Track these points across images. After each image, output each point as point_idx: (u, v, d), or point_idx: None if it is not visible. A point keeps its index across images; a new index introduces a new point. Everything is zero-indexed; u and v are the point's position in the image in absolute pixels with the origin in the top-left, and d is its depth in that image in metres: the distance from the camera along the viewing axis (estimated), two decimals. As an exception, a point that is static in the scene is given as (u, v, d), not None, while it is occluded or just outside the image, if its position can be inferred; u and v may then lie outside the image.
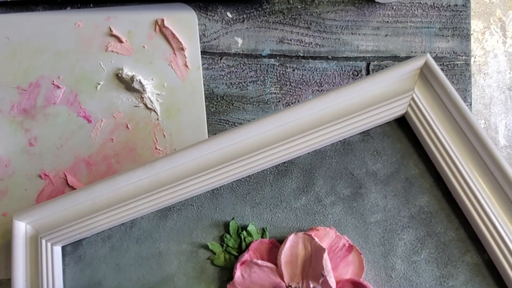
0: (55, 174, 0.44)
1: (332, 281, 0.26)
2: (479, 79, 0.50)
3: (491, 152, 0.27)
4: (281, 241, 0.29)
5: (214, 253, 0.31)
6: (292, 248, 0.28)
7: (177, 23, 0.44)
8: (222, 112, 0.46)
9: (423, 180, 0.30)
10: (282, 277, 0.27)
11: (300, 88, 0.47)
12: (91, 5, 0.44)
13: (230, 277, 0.29)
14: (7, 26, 0.43)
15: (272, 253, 0.29)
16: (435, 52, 0.48)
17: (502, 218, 0.27)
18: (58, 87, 0.44)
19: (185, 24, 0.44)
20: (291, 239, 0.28)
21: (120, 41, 0.44)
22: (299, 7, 0.46)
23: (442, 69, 0.48)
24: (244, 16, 0.46)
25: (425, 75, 0.30)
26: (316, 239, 0.27)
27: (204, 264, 0.31)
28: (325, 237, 0.28)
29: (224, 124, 0.46)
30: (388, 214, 0.30)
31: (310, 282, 0.26)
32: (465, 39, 0.48)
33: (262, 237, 0.30)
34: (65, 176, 0.44)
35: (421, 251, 0.29)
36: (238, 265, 0.28)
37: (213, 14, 0.45)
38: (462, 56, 0.48)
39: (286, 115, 0.30)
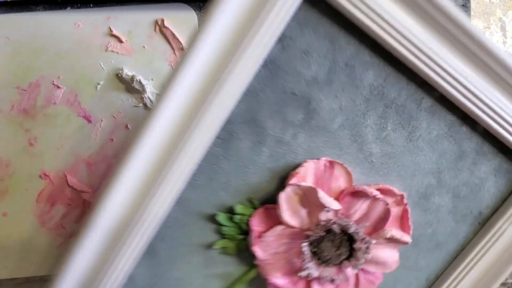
0: (55, 174, 0.44)
1: (336, 206, 0.27)
2: (479, 79, 0.50)
3: None
4: (272, 200, 0.28)
5: (227, 248, 0.29)
6: (288, 203, 0.27)
7: (177, 23, 0.44)
8: (222, 112, 0.46)
9: (361, 56, 0.26)
10: (297, 229, 0.28)
11: (300, 88, 0.47)
12: (91, 5, 0.44)
13: (253, 257, 0.28)
14: (7, 26, 0.43)
15: (272, 217, 0.28)
16: (435, 52, 0.48)
17: (438, 51, 0.25)
18: (58, 87, 0.44)
19: (185, 24, 0.44)
20: (281, 198, 0.27)
21: (120, 41, 0.44)
22: (299, 7, 0.46)
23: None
24: (244, 16, 0.46)
25: None
26: (302, 184, 0.26)
27: (222, 259, 0.29)
28: (307, 173, 0.27)
29: (224, 124, 0.46)
30: (346, 111, 0.27)
31: (320, 215, 0.27)
32: (465, 39, 0.48)
33: (254, 208, 0.28)
34: (65, 176, 0.44)
35: (386, 125, 0.28)
36: (254, 247, 0.28)
37: (213, 14, 0.45)
38: (462, 56, 0.48)
39: (184, 77, 0.23)
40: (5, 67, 0.43)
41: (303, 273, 0.28)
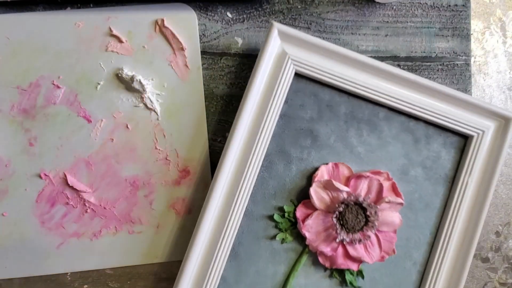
0: (55, 174, 0.44)
1: (346, 188, 0.41)
2: (479, 79, 0.50)
3: (340, 52, 0.42)
4: (305, 197, 0.42)
5: (285, 238, 0.43)
6: (316, 194, 0.41)
7: (177, 23, 0.44)
8: (222, 112, 0.46)
9: (334, 99, 0.43)
10: (327, 211, 0.41)
11: (300, 88, 0.47)
12: (91, 5, 0.44)
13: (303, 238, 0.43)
14: (7, 26, 0.43)
15: (309, 207, 0.42)
16: (435, 52, 0.48)
17: (377, 84, 0.42)
18: (58, 87, 0.44)
19: (185, 24, 0.44)
20: (311, 192, 0.41)
21: (120, 41, 0.44)
22: (299, 7, 0.46)
23: (442, 69, 0.48)
24: (244, 16, 0.46)
25: (284, 39, 0.41)
26: (322, 179, 0.41)
27: (283, 247, 0.43)
28: (323, 173, 0.42)
29: (224, 124, 0.46)
30: (336, 132, 0.44)
31: (338, 197, 0.41)
32: (465, 39, 0.48)
33: (295, 205, 0.43)
34: (65, 176, 0.44)
35: (362, 133, 0.44)
36: (302, 230, 0.42)
37: (213, 14, 0.45)
38: (462, 56, 0.48)
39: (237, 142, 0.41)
40: (5, 67, 0.43)
41: (338, 239, 0.41)
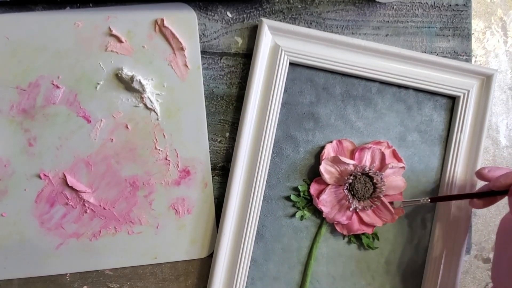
0: (54, 174, 0.44)
1: (352, 161, 0.44)
2: (480, 79, 0.50)
3: (327, 37, 0.45)
4: (316, 175, 0.46)
5: (304, 215, 0.46)
6: (325, 170, 0.45)
7: (177, 23, 0.44)
8: (222, 112, 0.46)
9: (328, 81, 0.46)
10: (338, 184, 0.45)
11: (300, 88, 0.47)
12: (91, 5, 0.44)
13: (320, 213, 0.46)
14: (7, 26, 0.43)
15: (321, 183, 0.46)
16: (436, 52, 0.48)
17: (366, 62, 0.45)
18: (58, 87, 0.44)
19: (185, 23, 0.44)
20: (321, 169, 0.45)
21: (120, 41, 0.44)
22: (299, 6, 0.46)
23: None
24: (244, 15, 0.46)
25: (275, 33, 0.44)
26: (329, 156, 0.45)
27: (303, 223, 0.47)
28: (329, 150, 0.46)
29: (224, 124, 0.46)
30: (335, 111, 0.47)
31: (346, 170, 0.44)
32: (466, 39, 0.48)
33: (308, 184, 0.46)
34: (65, 176, 0.44)
35: (359, 109, 0.47)
36: (318, 205, 0.45)
37: (213, 14, 0.45)
38: (463, 55, 0.48)
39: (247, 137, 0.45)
40: (5, 67, 0.43)
41: (351, 208, 0.44)
